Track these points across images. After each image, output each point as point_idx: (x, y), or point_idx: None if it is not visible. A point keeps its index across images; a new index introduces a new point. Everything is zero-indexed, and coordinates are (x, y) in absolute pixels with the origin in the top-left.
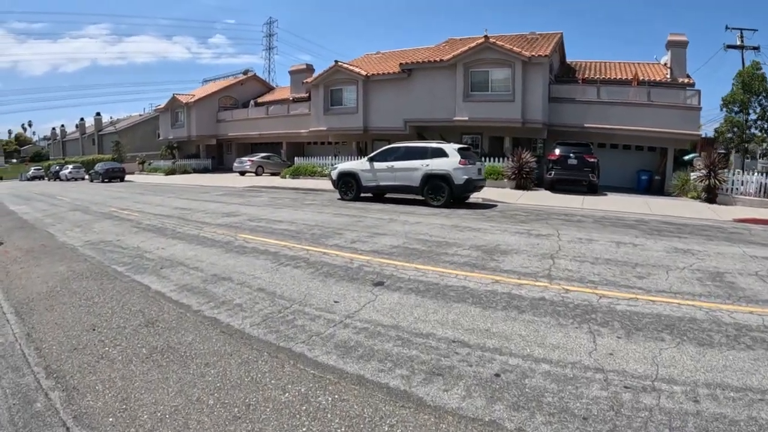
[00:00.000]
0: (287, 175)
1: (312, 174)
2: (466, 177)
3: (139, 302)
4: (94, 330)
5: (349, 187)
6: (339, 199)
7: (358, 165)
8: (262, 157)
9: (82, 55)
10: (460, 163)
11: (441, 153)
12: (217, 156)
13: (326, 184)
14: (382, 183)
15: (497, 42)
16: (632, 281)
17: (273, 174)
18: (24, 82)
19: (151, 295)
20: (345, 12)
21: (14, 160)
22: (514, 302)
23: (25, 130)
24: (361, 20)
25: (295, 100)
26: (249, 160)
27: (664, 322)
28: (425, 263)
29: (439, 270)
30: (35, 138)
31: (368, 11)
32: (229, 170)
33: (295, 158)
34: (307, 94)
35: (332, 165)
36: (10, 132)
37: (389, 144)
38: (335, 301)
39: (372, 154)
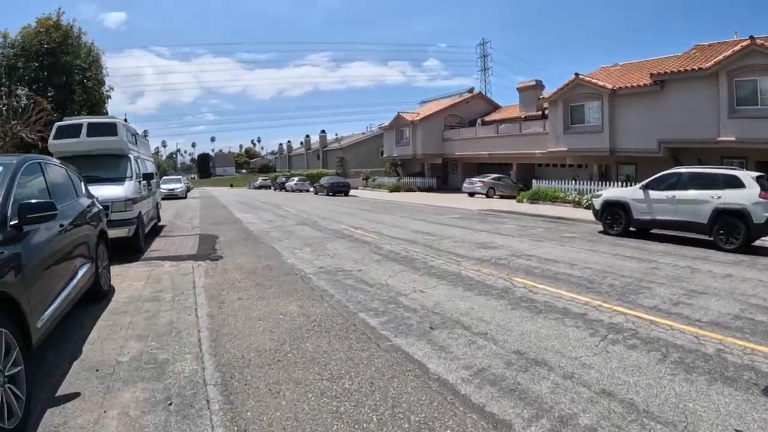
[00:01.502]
0: (524, 200)
1: (553, 199)
2: (767, 215)
3: (418, 401)
4: None
5: (615, 219)
6: (601, 232)
7: (628, 193)
8: (493, 179)
9: (304, 80)
10: (760, 196)
11: (735, 182)
12: (442, 175)
13: (573, 212)
14: (658, 217)
15: (765, 43)
16: None
17: (503, 196)
18: (253, 104)
19: (433, 387)
20: (557, 31)
21: (244, 171)
22: None
23: (254, 144)
24: (573, 38)
25: (527, 118)
26: (480, 181)
27: None
28: None
29: None
30: (263, 152)
31: (579, 29)
32: (455, 190)
33: (533, 181)
34: (540, 112)
35: (575, 190)
36: (241, 146)
37: (636, 168)
38: None
39: (646, 181)
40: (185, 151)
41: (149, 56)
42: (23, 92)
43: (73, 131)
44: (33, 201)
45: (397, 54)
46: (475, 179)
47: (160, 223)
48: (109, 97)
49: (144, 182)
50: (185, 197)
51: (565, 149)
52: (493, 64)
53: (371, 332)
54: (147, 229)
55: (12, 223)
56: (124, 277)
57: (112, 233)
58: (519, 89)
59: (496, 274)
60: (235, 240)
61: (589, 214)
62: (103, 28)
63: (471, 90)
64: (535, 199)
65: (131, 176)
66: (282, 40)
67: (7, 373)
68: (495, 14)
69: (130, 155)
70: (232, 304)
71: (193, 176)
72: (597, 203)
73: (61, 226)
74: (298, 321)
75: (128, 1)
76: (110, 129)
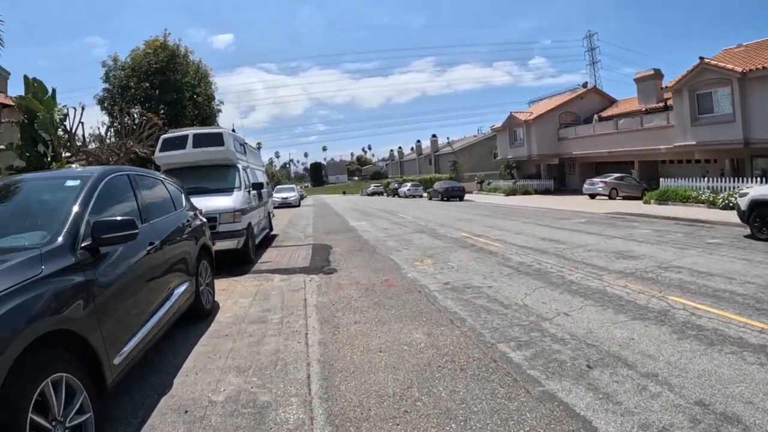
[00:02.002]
0: (651, 200)
1: (684, 199)
2: None
3: None
4: None
5: (765, 221)
6: (748, 236)
7: None
8: (616, 178)
9: (411, 86)
10: None
11: None
12: (558, 176)
13: (709, 213)
14: None
15: None
16: None
17: (625, 197)
18: (362, 113)
19: None
20: (665, 16)
21: (356, 178)
22: None
23: (365, 152)
24: (683, 23)
25: (649, 111)
26: (601, 182)
27: None
28: None
29: None
30: (374, 159)
31: (689, 13)
32: (573, 192)
33: (661, 180)
34: (662, 104)
35: (708, 188)
36: (352, 154)
37: None
38: None
39: None
40: (298, 161)
41: (258, 73)
42: (136, 110)
43: (179, 143)
44: (110, 219)
45: (502, 54)
46: (596, 180)
47: (272, 233)
48: (219, 111)
49: (253, 192)
50: (299, 205)
51: (694, 143)
52: (601, 57)
53: (516, 372)
54: (258, 240)
55: (84, 244)
56: (230, 293)
57: (220, 245)
58: (636, 80)
59: (647, 292)
60: (349, 250)
61: (728, 216)
62: (213, 50)
63: (584, 84)
64: (663, 199)
65: (239, 186)
66: (386, 48)
67: (68, 424)
68: (597, 4)
69: (237, 165)
70: (348, 330)
71: (306, 185)
72: (743, 203)
73: (151, 244)
74: (427, 354)
75: (234, 24)
76: (216, 139)
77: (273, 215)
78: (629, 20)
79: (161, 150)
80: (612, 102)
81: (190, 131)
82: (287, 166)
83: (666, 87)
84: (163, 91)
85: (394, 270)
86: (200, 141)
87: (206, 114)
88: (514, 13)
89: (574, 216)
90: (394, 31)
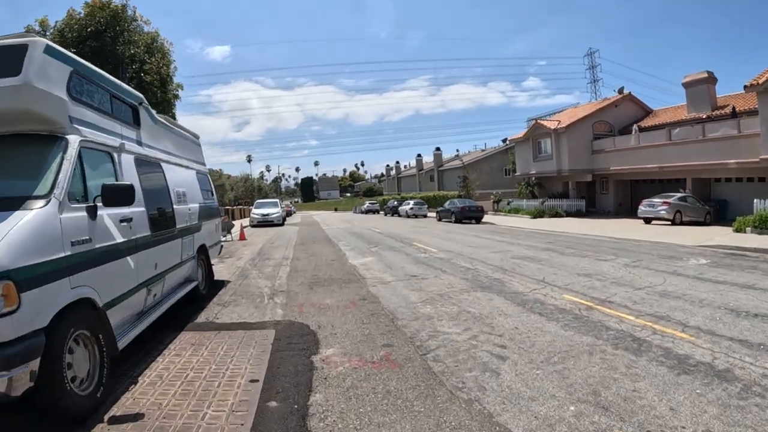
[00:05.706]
0: (747, 228)
1: None
2: None
3: None
4: None
5: None
6: None
7: None
8: (679, 199)
9: (405, 104)
10: None
11: None
12: (587, 196)
13: None
14: None
15: None
16: None
17: (683, 222)
18: (355, 129)
19: None
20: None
21: (348, 194)
22: None
23: (357, 168)
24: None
25: (712, 119)
26: (664, 203)
27: None
28: None
29: None
30: (367, 176)
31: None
32: (605, 214)
33: (755, 201)
34: (727, 111)
35: None
36: (344, 170)
37: None
38: None
39: None
40: (289, 176)
41: (253, 86)
42: None
43: None
44: None
45: (498, 70)
46: (656, 200)
47: (216, 278)
48: (177, 97)
49: (118, 213)
50: (282, 224)
51: None
52: (603, 75)
53: None
54: (158, 313)
55: None
56: None
57: None
58: (685, 84)
59: None
60: (361, 363)
61: None
62: (209, 60)
63: (620, 90)
64: (764, 227)
65: (47, 194)
66: (381, 63)
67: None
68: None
69: (66, 136)
70: None
71: (296, 200)
72: None
73: None
74: None
75: (230, 35)
76: (7, 59)
77: (220, 248)
78: (627, 39)
79: None
80: (648, 112)
81: None
82: (278, 180)
83: (750, 85)
84: (95, 61)
85: None
86: None
87: (157, 99)
88: (512, 32)
89: (673, 251)
90: (390, 47)
